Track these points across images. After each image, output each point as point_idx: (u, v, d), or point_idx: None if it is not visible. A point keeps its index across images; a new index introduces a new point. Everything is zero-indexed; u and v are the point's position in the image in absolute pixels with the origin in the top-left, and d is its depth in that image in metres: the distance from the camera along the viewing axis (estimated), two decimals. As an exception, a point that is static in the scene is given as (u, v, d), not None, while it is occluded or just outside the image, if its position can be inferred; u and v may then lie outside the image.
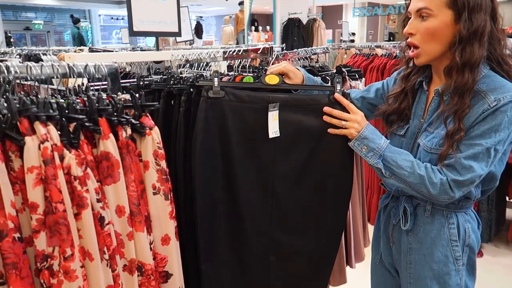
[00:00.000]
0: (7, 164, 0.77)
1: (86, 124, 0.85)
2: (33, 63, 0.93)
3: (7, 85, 0.90)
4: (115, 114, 0.91)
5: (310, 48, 2.24)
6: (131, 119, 0.93)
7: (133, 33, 1.58)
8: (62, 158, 0.80)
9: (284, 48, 4.32)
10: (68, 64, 0.99)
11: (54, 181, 0.77)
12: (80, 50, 5.26)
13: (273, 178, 1.26)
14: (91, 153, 0.88)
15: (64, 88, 1.03)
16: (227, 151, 1.21)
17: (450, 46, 1.09)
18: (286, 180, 1.26)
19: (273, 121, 1.20)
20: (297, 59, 2.26)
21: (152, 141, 0.98)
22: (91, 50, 3.13)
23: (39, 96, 0.88)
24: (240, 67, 1.60)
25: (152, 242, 1.01)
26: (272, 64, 2.05)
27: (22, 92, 0.91)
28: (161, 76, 1.51)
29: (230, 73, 1.64)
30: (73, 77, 1.01)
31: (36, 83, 1.00)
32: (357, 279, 1.91)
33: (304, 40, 6.29)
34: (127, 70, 1.80)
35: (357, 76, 1.94)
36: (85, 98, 0.94)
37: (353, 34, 11.58)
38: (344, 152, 1.23)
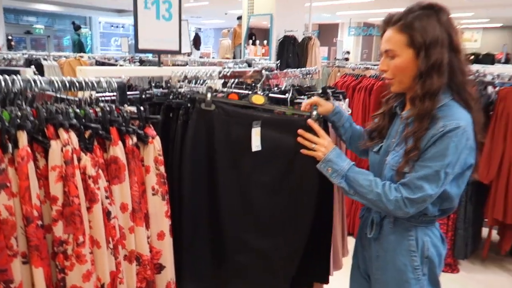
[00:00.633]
0: (34, 163, 0.92)
1: (100, 132, 1.01)
2: (56, 78, 1.08)
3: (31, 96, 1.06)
4: (123, 124, 1.07)
5: (301, 69, 2.42)
6: (137, 129, 1.09)
7: (138, 50, 1.74)
8: (79, 160, 0.96)
9: (279, 65, 4.51)
10: (84, 80, 1.15)
11: (73, 179, 0.93)
12: (80, 57, 5.42)
13: (251, 188, 1.42)
14: (102, 156, 1.03)
15: (77, 99, 1.19)
16: (212, 159, 1.37)
17: (415, 78, 1.25)
18: (263, 189, 1.42)
19: (256, 136, 1.37)
20: (288, 78, 2.43)
21: (154, 148, 1.14)
22: (98, 63, 3.28)
23: (60, 106, 1.03)
24: (235, 83, 1.76)
25: (149, 237, 1.16)
26: (263, 83, 2.22)
27: (45, 101, 1.06)
28: (161, 90, 1.67)
29: (225, 90, 1.81)
30: (88, 90, 1.17)
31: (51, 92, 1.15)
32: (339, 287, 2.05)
33: (299, 57, 6.48)
34: (130, 82, 1.96)
35: (341, 97, 2.11)
36: (98, 109, 1.09)
37: (348, 52, 11.86)
38: (314, 169, 1.38)
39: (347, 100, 2.21)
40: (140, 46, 1.72)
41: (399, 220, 1.33)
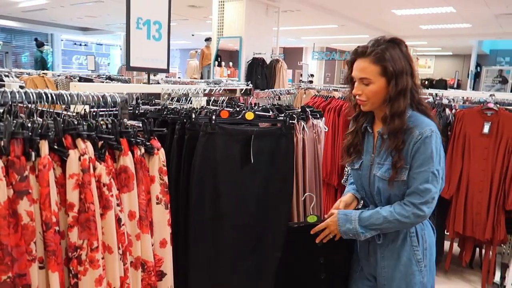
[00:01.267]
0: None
1: (112, 142, 1.07)
2: (64, 91, 1.14)
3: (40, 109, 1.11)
4: (132, 136, 1.13)
5: (277, 89, 2.55)
6: (145, 141, 1.15)
7: (129, 68, 1.80)
8: (94, 169, 1.01)
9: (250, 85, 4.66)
10: (90, 94, 1.21)
11: (89, 186, 0.98)
12: (44, 74, 5.31)
13: (247, 196, 1.55)
14: (112, 166, 1.09)
15: (82, 112, 1.24)
16: (215, 175, 1.48)
17: (385, 100, 1.45)
18: (257, 197, 1.57)
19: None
20: (265, 98, 2.56)
21: (159, 159, 1.21)
22: (82, 79, 3.28)
23: (71, 119, 1.08)
24: (225, 102, 1.87)
25: (153, 244, 1.21)
26: (246, 100, 2.33)
27: (56, 114, 1.10)
28: (148, 107, 1.74)
29: (211, 108, 1.90)
30: (93, 104, 1.22)
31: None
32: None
33: (267, 79, 6.68)
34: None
35: (318, 116, 2.26)
36: (107, 122, 1.15)
37: (312, 75, 12.29)
38: (289, 170, 1.62)
39: (323, 119, 2.35)
40: (132, 64, 1.79)
41: None
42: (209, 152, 1.45)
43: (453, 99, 3.57)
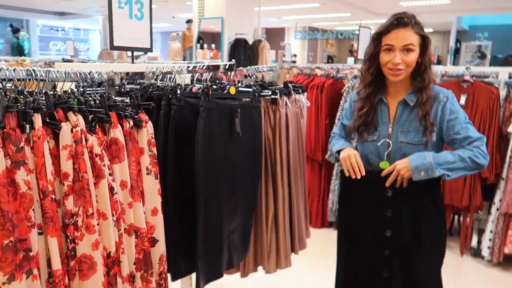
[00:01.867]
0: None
1: (102, 116, 1.12)
2: (52, 69, 1.17)
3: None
4: (121, 109, 1.18)
5: (257, 66, 2.60)
6: (133, 114, 1.21)
7: (113, 48, 1.83)
8: (86, 140, 1.06)
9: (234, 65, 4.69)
10: (77, 70, 1.24)
11: (82, 156, 1.03)
12: (22, 60, 5.23)
13: (235, 167, 1.62)
14: (103, 138, 1.14)
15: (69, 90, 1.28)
16: (213, 147, 1.57)
17: (414, 70, 1.58)
18: (242, 168, 1.67)
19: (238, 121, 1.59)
20: (245, 75, 2.61)
21: (147, 132, 1.26)
22: (65, 60, 3.26)
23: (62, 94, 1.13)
24: (208, 80, 1.92)
25: (145, 213, 1.27)
26: (231, 77, 2.39)
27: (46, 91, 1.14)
28: (133, 86, 1.78)
29: (198, 85, 1.95)
30: (81, 82, 1.26)
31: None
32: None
33: (250, 59, 6.71)
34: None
35: (301, 91, 2.32)
36: (95, 98, 1.20)
37: (295, 55, 12.31)
38: (260, 141, 1.75)
39: (305, 93, 2.42)
40: (115, 43, 1.82)
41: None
42: (208, 126, 1.53)
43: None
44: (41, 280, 1.00)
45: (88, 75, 1.28)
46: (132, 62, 1.95)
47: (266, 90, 2.17)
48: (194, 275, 1.71)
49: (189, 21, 8.68)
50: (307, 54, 14.45)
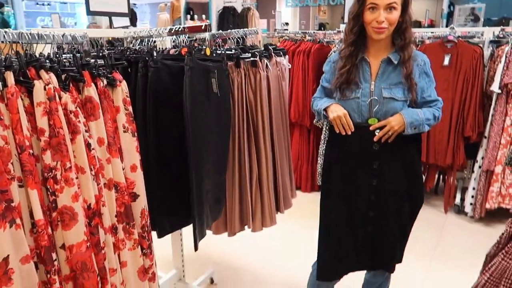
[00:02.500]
0: (20, 101, 1.05)
1: (75, 74, 1.16)
2: (25, 30, 1.20)
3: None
4: (94, 68, 1.22)
5: (241, 30, 2.61)
6: (106, 73, 1.24)
7: (89, 13, 1.84)
8: (60, 97, 1.10)
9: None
10: (50, 32, 1.27)
11: (57, 113, 1.07)
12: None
13: (211, 127, 1.68)
14: (78, 97, 1.18)
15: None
16: (200, 107, 1.62)
17: (395, 29, 1.64)
18: (218, 127, 1.73)
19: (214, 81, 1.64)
20: (229, 39, 2.62)
21: (122, 91, 1.30)
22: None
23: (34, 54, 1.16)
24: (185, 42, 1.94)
25: (124, 169, 1.33)
26: (209, 45, 2.40)
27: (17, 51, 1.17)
28: (118, 48, 1.80)
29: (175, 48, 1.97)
30: (54, 43, 1.29)
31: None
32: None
33: (239, 27, 6.63)
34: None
35: (281, 53, 2.35)
36: (69, 60, 1.23)
37: (287, 23, 12.14)
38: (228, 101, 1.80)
39: (287, 56, 2.44)
40: (92, 9, 1.82)
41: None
42: (192, 85, 1.56)
43: (421, 37, 3.67)
44: (24, 230, 1.06)
45: (62, 37, 1.31)
46: (110, 27, 1.96)
47: (246, 54, 2.20)
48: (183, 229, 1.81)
49: (177, -9, 8.52)
50: (299, 22, 14.24)
